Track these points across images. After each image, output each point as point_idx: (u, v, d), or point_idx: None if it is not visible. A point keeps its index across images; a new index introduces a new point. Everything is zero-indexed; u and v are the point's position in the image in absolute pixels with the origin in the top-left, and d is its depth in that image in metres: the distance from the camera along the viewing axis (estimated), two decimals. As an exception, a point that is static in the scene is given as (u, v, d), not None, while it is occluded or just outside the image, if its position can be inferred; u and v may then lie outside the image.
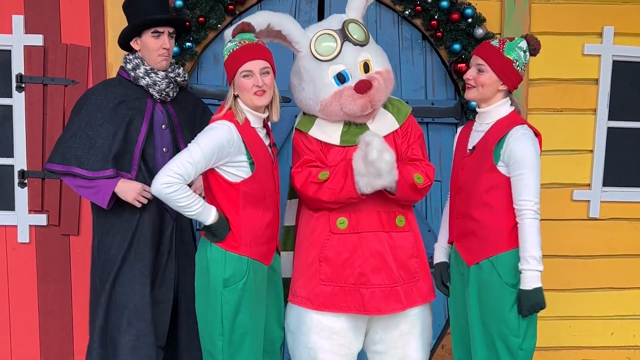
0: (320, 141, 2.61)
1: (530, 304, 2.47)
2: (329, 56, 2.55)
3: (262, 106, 2.54)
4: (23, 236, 3.55)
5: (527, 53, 2.57)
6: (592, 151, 3.68)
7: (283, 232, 2.84)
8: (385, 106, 2.66)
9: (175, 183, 2.40)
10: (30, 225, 3.55)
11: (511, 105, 2.62)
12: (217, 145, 2.42)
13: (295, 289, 2.67)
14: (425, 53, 3.59)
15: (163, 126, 2.82)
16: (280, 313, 2.79)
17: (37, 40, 3.44)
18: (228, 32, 2.57)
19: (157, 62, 2.76)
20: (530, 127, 2.58)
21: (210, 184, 2.55)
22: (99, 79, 3.39)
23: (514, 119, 2.59)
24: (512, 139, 2.50)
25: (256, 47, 2.49)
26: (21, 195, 3.53)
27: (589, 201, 3.70)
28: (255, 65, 2.47)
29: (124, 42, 2.81)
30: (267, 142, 2.62)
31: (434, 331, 3.62)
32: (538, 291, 2.48)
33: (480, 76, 2.57)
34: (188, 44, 3.37)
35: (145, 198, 2.72)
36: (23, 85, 3.45)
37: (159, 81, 2.77)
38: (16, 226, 3.54)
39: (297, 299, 2.66)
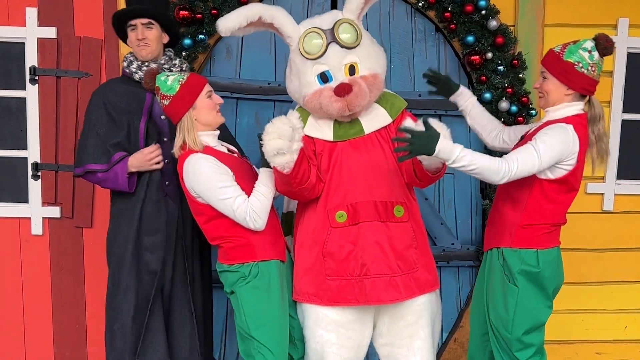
0: (313, 138, 2.61)
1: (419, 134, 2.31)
2: (313, 55, 2.54)
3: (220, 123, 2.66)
4: (37, 228, 3.56)
5: (594, 53, 2.51)
6: (606, 144, 3.66)
7: (282, 220, 2.86)
8: (378, 101, 2.65)
9: (249, 213, 2.49)
10: (43, 218, 3.56)
11: (582, 109, 2.60)
12: (219, 173, 2.51)
13: (301, 287, 2.66)
14: (439, 45, 3.57)
15: (162, 117, 2.85)
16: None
17: (51, 32, 3.45)
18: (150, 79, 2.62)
19: (138, 53, 2.86)
20: (582, 135, 2.53)
21: (206, 213, 2.60)
22: (112, 72, 3.42)
23: (566, 119, 2.54)
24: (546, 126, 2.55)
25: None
26: (35, 187, 3.54)
27: (602, 194, 3.69)
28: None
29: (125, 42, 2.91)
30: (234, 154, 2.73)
31: (447, 324, 3.64)
32: (432, 135, 2.30)
33: (544, 84, 2.60)
34: (201, 36, 3.37)
35: (156, 157, 2.80)
36: (36, 77, 3.46)
37: None
38: (30, 218, 3.56)
39: (303, 296, 2.65)
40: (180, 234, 2.88)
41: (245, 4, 3.41)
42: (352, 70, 2.55)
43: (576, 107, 2.58)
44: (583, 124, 2.56)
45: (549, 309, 2.67)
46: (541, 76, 2.62)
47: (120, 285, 2.80)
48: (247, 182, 2.59)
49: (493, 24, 3.40)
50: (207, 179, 2.50)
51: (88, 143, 2.84)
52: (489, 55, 3.42)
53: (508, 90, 3.42)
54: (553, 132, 2.49)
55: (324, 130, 2.61)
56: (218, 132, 2.67)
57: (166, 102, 2.57)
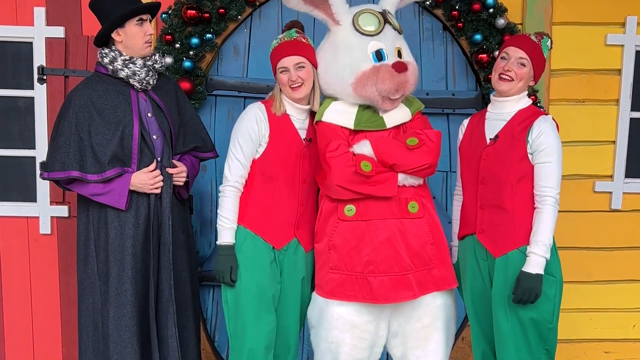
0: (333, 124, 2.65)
1: (529, 287, 2.46)
2: (371, 32, 2.61)
3: (301, 98, 2.68)
4: (45, 227, 3.57)
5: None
6: (614, 142, 3.64)
7: None
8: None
9: (224, 189, 2.68)
10: (51, 217, 3.57)
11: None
12: (248, 129, 2.65)
13: (315, 278, 2.75)
14: (446, 44, 3.57)
15: (149, 114, 2.80)
16: (298, 310, 2.81)
17: (59, 32, 3.45)
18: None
19: (143, 49, 2.76)
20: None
21: None
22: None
23: (536, 110, 2.67)
24: (541, 127, 2.55)
25: (292, 44, 2.64)
26: (43, 186, 3.54)
27: (611, 192, 3.67)
28: (290, 61, 2.63)
29: (106, 35, 2.75)
30: (302, 135, 2.72)
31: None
32: (539, 277, 2.48)
33: (520, 70, 2.60)
34: (208, 35, 3.37)
35: (159, 182, 2.76)
36: (44, 77, 3.47)
37: (138, 70, 2.75)
38: (38, 217, 3.57)
39: (316, 289, 2.71)
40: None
41: (253, 3, 3.43)
42: (399, 54, 2.64)
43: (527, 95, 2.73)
44: (543, 111, 2.78)
45: None
46: (517, 61, 2.61)
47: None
48: (281, 155, 2.66)
49: (501, 22, 3.40)
50: (239, 128, 2.68)
51: (71, 147, 2.70)
52: (497, 53, 3.40)
53: (516, 88, 3.42)
54: (553, 140, 2.58)
55: (346, 117, 2.63)
56: (304, 106, 2.71)
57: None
